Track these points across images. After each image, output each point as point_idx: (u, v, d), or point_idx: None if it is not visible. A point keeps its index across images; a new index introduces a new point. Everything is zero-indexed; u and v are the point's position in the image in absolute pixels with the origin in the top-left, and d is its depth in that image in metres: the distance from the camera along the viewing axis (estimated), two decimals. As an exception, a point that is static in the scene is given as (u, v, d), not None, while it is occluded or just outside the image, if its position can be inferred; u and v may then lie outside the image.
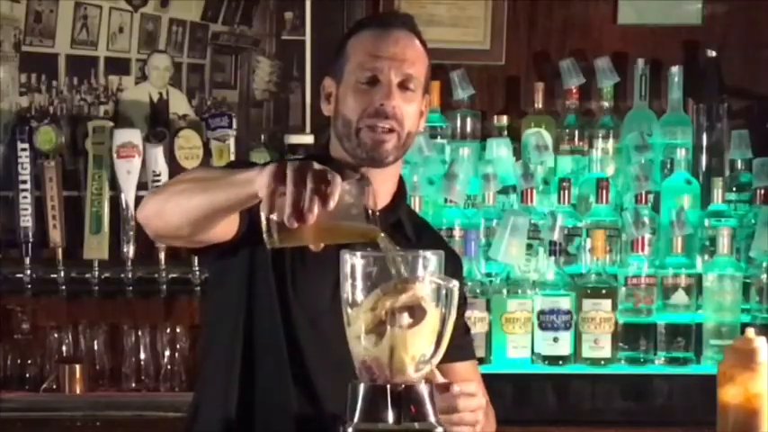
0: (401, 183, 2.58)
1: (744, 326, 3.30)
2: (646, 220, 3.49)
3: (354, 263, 1.96)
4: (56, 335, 3.69)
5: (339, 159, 2.48)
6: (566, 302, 3.44)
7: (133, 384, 3.68)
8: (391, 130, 2.42)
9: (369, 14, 2.57)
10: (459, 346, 2.44)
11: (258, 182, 1.96)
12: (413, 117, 2.45)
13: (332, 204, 1.92)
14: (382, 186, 2.48)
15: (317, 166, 1.93)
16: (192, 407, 2.52)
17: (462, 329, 2.53)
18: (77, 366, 3.64)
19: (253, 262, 2.42)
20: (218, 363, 2.46)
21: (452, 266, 2.46)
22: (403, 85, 2.43)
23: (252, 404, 2.41)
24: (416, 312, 1.95)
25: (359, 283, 1.95)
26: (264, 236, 1.95)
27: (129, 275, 3.69)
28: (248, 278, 2.43)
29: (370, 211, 1.98)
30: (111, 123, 3.76)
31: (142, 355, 3.68)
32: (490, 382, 3.34)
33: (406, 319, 1.94)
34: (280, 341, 2.41)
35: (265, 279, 2.41)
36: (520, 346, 3.44)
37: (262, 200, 1.95)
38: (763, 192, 3.61)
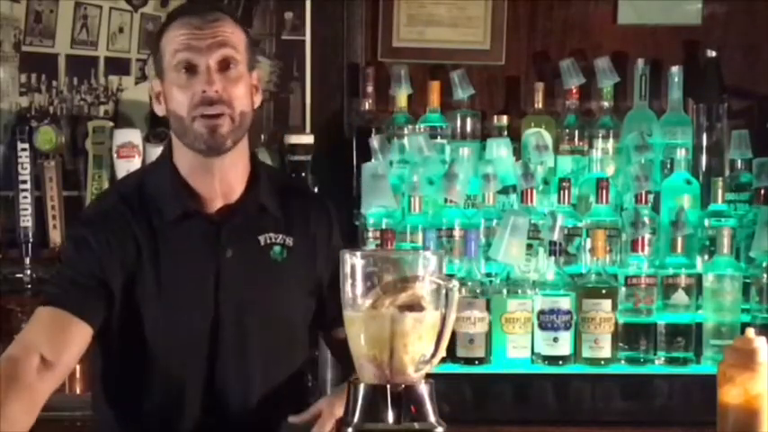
0: (254, 162, 2.56)
1: (744, 326, 3.30)
2: (646, 220, 3.48)
3: (354, 263, 1.96)
4: (56, 335, 3.68)
5: (180, 164, 2.49)
6: (566, 302, 3.44)
7: (133, 384, 3.67)
8: (221, 115, 2.41)
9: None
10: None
11: None
12: (242, 96, 2.44)
13: None
14: (231, 172, 2.49)
15: None
16: None
17: None
18: (77, 366, 3.63)
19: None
20: None
21: (319, 216, 2.56)
22: (222, 67, 2.42)
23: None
24: (416, 311, 1.95)
25: (358, 284, 1.95)
26: None
27: (129, 275, 3.68)
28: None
29: None
30: (111, 123, 3.76)
31: (142, 355, 3.68)
32: (490, 382, 3.38)
33: (405, 317, 1.94)
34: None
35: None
36: (520, 347, 3.43)
37: None
38: (763, 192, 3.60)
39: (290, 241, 2.51)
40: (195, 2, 2.54)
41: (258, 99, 2.53)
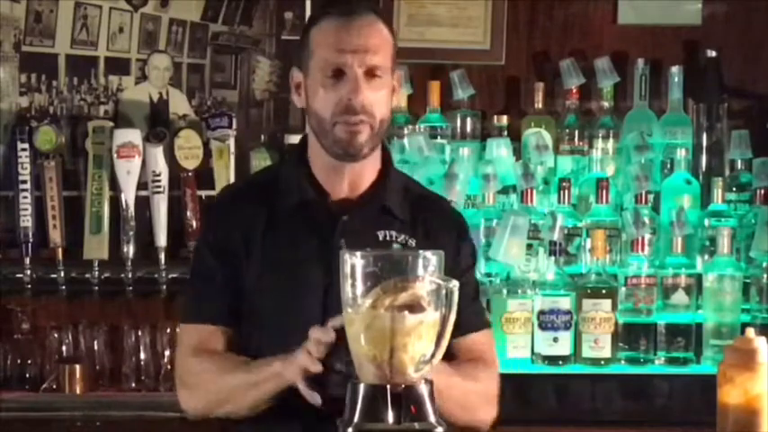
0: (385, 164, 2.55)
1: (744, 326, 3.30)
2: (646, 220, 3.49)
3: (354, 263, 1.96)
4: (56, 335, 3.69)
5: (314, 159, 2.51)
6: (566, 302, 3.44)
7: (133, 384, 3.68)
8: (362, 122, 2.41)
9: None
10: (470, 314, 2.44)
11: (288, 375, 2.26)
12: (383, 103, 2.44)
13: None
14: (361, 175, 2.49)
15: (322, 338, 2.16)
16: None
17: (471, 295, 2.52)
18: (77, 366, 3.64)
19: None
20: None
21: (455, 231, 2.52)
22: (370, 74, 2.41)
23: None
24: (416, 311, 1.95)
25: (359, 283, 1.95)
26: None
27: (129, 275, 3.69)
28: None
29: None
30: (111, 123, 3.76)
31: (142, 355, 3.68)
32: (490, 382, 3.37)
33: (405, 317, 1.94)
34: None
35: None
36: (520, 346, 3.43)
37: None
38: (763, 192, 3.60)
39: (412, 242, 2.48)
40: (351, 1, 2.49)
41: (396, 98, 2.54)
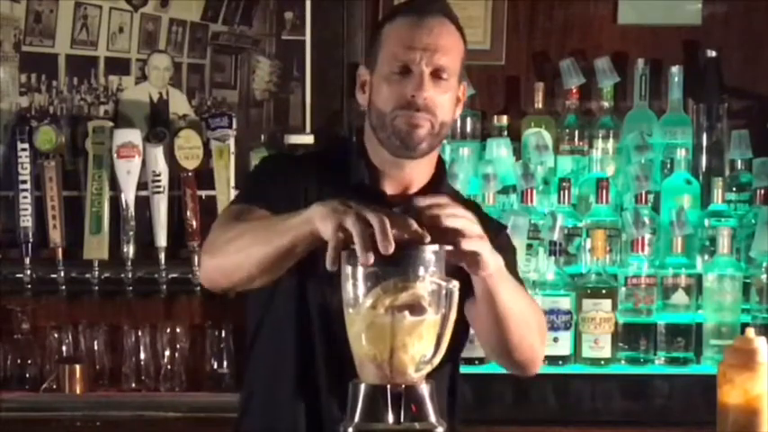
0: (438, 168, 2.52)
1: (744, 326, 3.30)
2: (646, 220, 3.49)
3: (355, 263, 1.96)
4: (56, 335, 3.69)
5: (371, 155, 2.46)
6: (566, 302, 3.44)
7: (133, 384, 3.68)
8: (423, 118, 2.38)
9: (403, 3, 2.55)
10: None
11: (318, 223, 2.03)
12: (447, 106, 2.41)
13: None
14: (417, 175, 2.46)
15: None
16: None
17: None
18: (77, 366, 3.64)
19: None
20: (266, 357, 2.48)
21: (498, 241, 2.40)
22: (436, 75, 2.38)
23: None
24: (416, 311, 1.95)
25: (359, 284, 1.95)
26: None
27: (129, 275, 3.69)
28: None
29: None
30: (111, 123, 3.76)
31: (142, 355, 3.68)
32: (490, 382, 3.38)
33: (406, 317, 1.94)
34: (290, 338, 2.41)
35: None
36: (520, 346, 3.43)
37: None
38: (763, 192, 3.61)
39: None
40: (427, 1, 2.44)
41: (459, 111, 2.49)
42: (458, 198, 2.55)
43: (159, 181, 3.69)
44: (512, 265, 2.45)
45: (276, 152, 2.51)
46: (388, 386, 1.95)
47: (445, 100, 2.40)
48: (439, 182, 2.51)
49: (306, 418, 2.40)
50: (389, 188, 2.47)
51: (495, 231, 2.45)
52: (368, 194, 2.38)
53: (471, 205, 2.56)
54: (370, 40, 2.52)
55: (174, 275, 3.68)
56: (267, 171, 2.54)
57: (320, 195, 2.31)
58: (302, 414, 2.40)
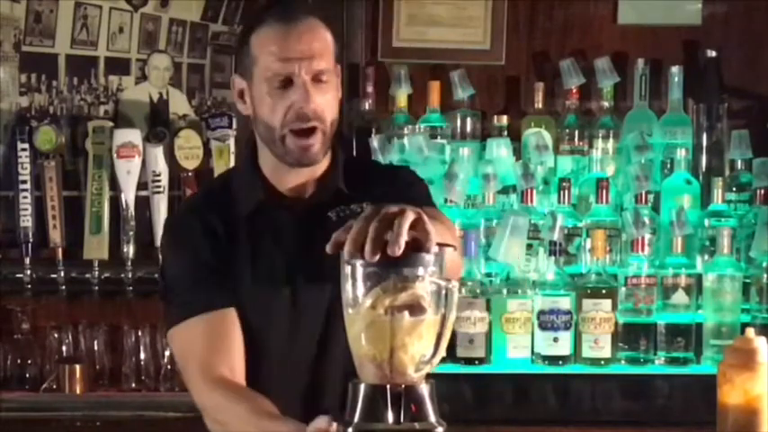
0: (334, 152, 2.51)
1: (744, 326, 3.30)
2: (646, 220, 3.49)
3: (355, 263, 1.96)
4: (56, 335, 3.69)
5: (266, 162, 2.48)
6: (566, 302, 3.44)
7: (133, 384, 3.68)
8: (314, 130, 2.39)
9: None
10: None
11: None
12: (332, 105, 2.42)
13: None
14: (314, 173, 2.47)
15: None
16: None
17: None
18: (77, 366, 3.64)
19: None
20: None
21: (404, 179, 2.49)
22: (316, 79, 2.39)
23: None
24: (416, 311, 1.94)
25: (359, 284, 1.95)
26: None
27: (129, 275, 3.69)
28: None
29: None
30: (111, 123, 3.76)
31: (142, 355, 3.68)
32: (490, 382, 3.38)
33: (405, 317, 1.94)
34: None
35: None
36: (520, 347, 3.44)
37: None
38: (763, 192, 3.61)
39: (366, 205, 2.32)
40: (291, 5, 2.47)
41: (339, 92, 2.47)
42: (371, 168, 2.62)
43: (159, 181, 3.69)
44: (425, 197, 2.48)
45: (167, 225, 2.54)
46: (388, 386, 1.94)
47: (330, 100, 2.42)
48: (334, 175, 2.48)
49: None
50: (291, 191, 2.48)
51: (400, 175, 2.53)
52: (270, 214, 2.44)
53: (371, 165, 2.60)
54: (236, 47, 2.50)
55: (174, 275, 3.68)
56: (178, 258, 2.48)
57: (233, 232, 2.41)
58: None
